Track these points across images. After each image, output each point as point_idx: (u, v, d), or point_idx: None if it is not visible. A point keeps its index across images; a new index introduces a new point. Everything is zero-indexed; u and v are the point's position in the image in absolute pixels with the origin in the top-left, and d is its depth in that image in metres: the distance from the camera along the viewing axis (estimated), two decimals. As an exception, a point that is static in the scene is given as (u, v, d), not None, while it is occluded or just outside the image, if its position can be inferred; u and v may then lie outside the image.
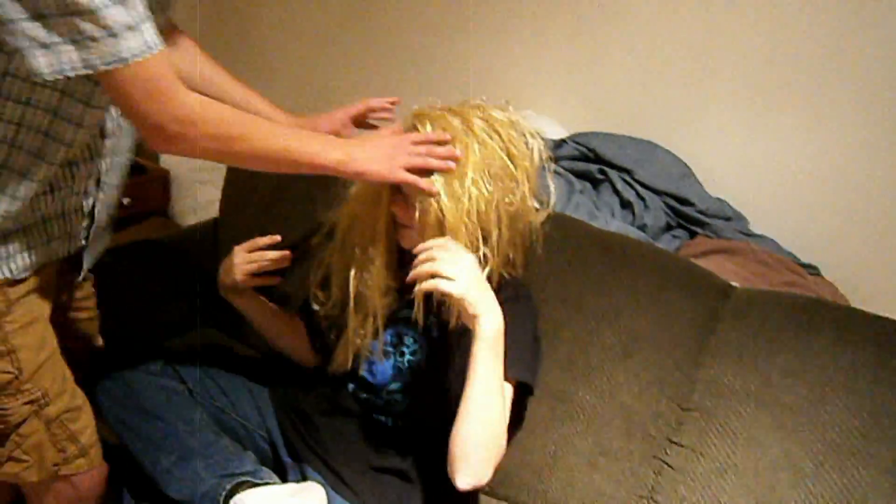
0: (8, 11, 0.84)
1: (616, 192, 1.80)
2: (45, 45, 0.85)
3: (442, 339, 1.22)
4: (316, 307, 1.34)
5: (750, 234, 1.82)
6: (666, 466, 1.27)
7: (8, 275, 1.06)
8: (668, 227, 1.82)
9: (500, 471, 1.30)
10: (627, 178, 1.82)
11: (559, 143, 1.91)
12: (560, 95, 2.18)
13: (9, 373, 1.08)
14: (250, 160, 1.06)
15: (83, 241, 1.20)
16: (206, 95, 1.02)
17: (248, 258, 1.32)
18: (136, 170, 2.81)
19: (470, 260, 1.08)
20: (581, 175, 1.85)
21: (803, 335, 1.24)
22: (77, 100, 1.00)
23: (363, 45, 2.57)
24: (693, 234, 1.82)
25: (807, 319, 1.26)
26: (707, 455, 1.23)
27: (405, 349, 1.27)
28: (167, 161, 2.86)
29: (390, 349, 1.27)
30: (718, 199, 1.87)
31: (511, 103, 1.29)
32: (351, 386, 1.30)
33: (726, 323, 1.32)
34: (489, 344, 1.05)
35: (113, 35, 0.85)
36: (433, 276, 1.04)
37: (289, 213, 1.70)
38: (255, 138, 1.03)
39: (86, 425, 1.20)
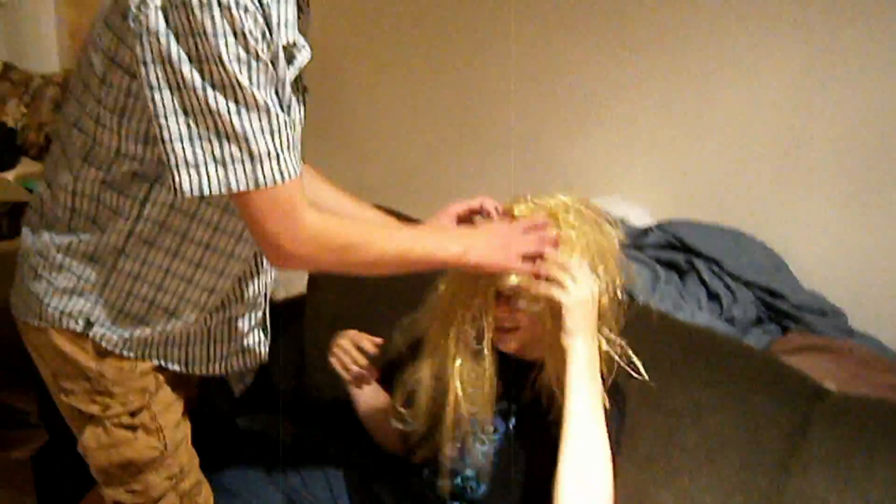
0: (169, 131, 0.90)
1: (703, 282, 1.76)
2: (192, 166, 0.90)
3: (522, 426, 1.21)
4: (398, 425, 1.30)
5: (849, 332, 1.74)
6: (752, 584, 1.20)
7: (162, 364, 1.14)
8: (759, 322, 1.76)
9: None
10: (716, 269, 1.78)
11: (645, 231, 1.90)
12: (648, 181, 2.17)
13: (156, 448, 1.13)
14: (370, 267, 1.07)
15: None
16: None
17: (345, 348, 1.38)
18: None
19: (591, 281, 1.09)
20: (667, 264, 1.82)
21: (906, 447, 1.16)
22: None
23: (457, 130, 2.65)
24: (785, 330, 1.75)
25: (910, 429, 1.18)
26: (797, 574, 1.15)
27: (484, 436, 1.25)
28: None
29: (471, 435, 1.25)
30: (814, 293, 1.79)
31: (600, 189, 1.28)
32: (426, 472, 1.29)
33: (819, 429, 1.24)
34: (584, 365, 1.06)
35: (254, 160, 0.91)
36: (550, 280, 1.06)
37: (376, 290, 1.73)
38: (374, 245, 1.04)
39: (207, 499, 1.25)
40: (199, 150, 0.89)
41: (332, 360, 1.41)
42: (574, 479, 1.04)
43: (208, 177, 0.90)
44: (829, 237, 1.84)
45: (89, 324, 1.07)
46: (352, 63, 2.95)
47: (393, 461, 1.38)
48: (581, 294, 1.07)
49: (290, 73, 0.94)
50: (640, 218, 2.02)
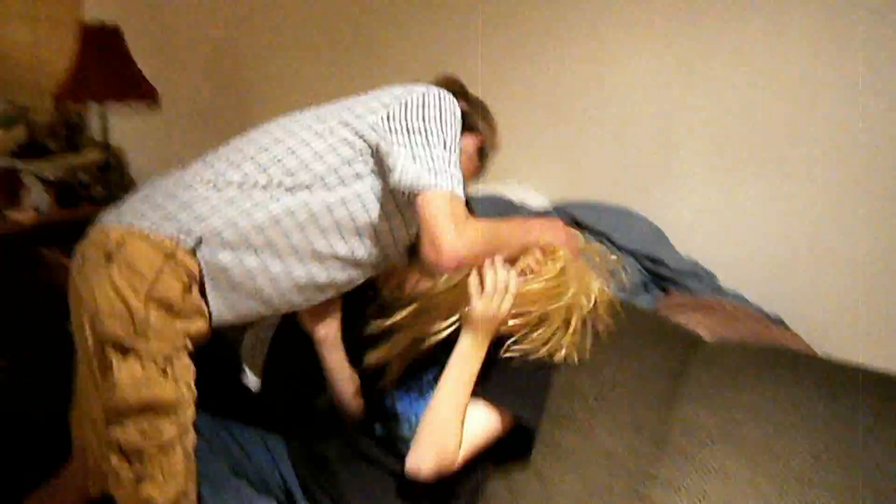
0: (398, 145, 1.22)
1: (596, 254, 1.96)
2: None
3: None
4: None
5: (720, 290, 1.98)
6: (648, 502, 1.40)
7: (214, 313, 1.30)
8: (645, 287, 1.97)
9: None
10: (606, 242, 1.98)
11: (544, 213, 2.08)
12: (543, 167, 2.36)
13: (178, 396, 1.22)
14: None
15: None
16: None
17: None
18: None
19: (500, 305, 1.31)
20: (563, 240, 2.00)
21: (764, 378, 1.39)
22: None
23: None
24: (667, 292, 1.97)
25: (767, 364, 1.41)
26: (683, 489, 1.36)
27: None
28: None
29: (430, 388, 1.39)
30: (690, 259, 2.03)
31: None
32: (378, 428, 1.42)
33: (696, 370, 1.46)
34: (462, 360, 1.30)
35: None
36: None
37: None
38: (508, 241, 1.34)
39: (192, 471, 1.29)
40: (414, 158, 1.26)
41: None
42: (425, 426, 1.29)
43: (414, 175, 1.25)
44: (700, 209, 2.08)
45: (199, 243, 1.23)
46: (262, 62, 3.00)
47: (338, 425, 1.50)
48: (488, 307, 1.30)
49: None
50: (537, 200, 2.20)
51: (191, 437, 1.25)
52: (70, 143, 3.64)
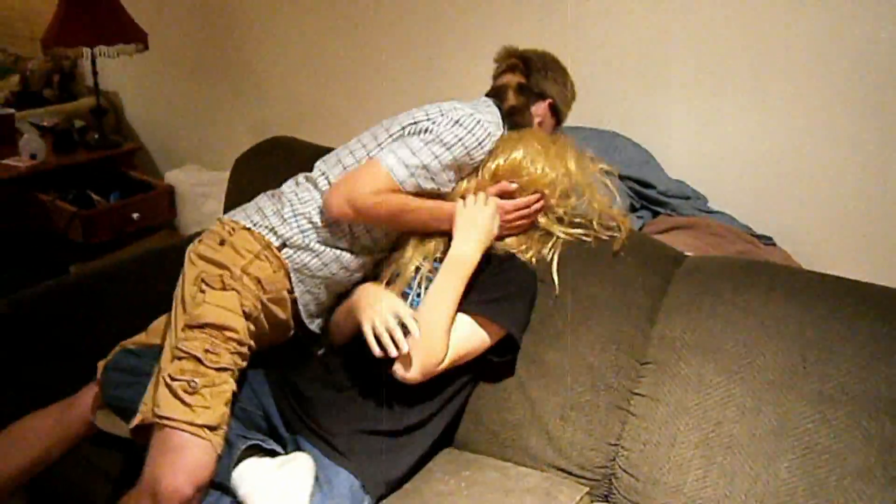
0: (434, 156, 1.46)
1: (583, 179, 1.96)
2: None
3: None
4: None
5: (708, 211, 1.99)
6: (630, 415, 1.44)
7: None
8: (633, 209, 1.98)
9: (484, 429, 1.48)
10: (593, 167, 1.98)
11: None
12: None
13: (247, 331, 1.38)
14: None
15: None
16: None
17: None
18: (143, 187, 3.01)
19: (490, 214, 1.46)
20: (551, 166, 2.01)
21: (741, 291, 1.41)
22: None
23: (350, 61, 2.75)
24: (656, 214, 1.98)
25: (744, 277, 1.43)
26: (663, 401, 1.39)
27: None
28: (171, 177, 3.03)
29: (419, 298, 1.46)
30: (678, 181, 2.03)
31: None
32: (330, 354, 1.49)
33: (676, 285, 1.48)
34: (451, 267, 1.39)
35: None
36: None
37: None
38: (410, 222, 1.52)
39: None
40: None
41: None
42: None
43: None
44: (687, 131, 2.07)
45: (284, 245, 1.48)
46: (248, 4, 2.98)
47: (311, 356, 1.55)
48: (477, 213, 1.44)
49: None
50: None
51: (234, 387, 1.34)
52: (65, 91, 3.64)
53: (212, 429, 1.27)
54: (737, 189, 2.01)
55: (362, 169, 1.47)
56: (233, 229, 1.49)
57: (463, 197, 1.51)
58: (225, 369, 1.33)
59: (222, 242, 1.47)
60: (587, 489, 1.42)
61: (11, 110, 3.11)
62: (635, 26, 2.07)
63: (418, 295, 1.48)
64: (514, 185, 1.51)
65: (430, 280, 1.47)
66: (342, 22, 2.71)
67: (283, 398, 1.45)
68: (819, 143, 1.86)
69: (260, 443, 1.33)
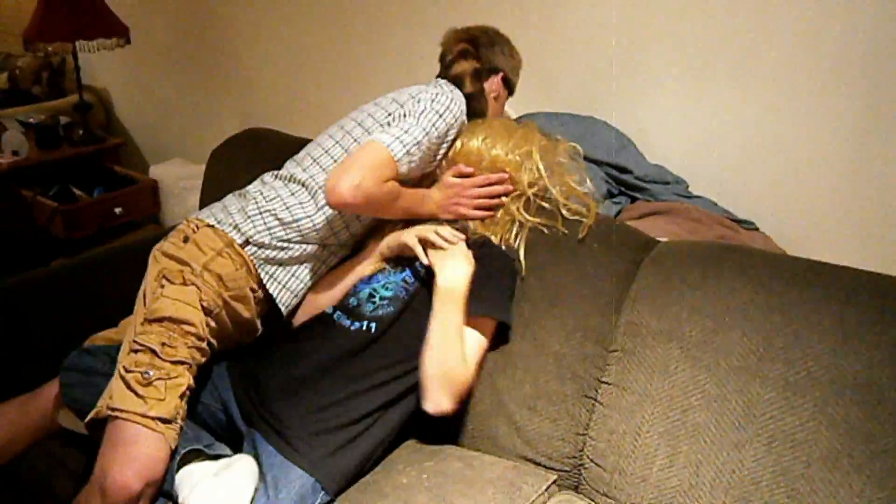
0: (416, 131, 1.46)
1: (559, 164, 1.93)
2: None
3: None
4: None
5: (688, 196, 1.95)
6: (597, 404, 1.41)
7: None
8: (611, 195, 1.95)
9: (451, 420, 1.45)
10: (569, 153, 1.95)
11: (508, 125, 2.04)
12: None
13: (205, 327, 1.37)
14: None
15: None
16: None
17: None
18: (127, 182, 3.00)
19: (464, 260, 1.42)
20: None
21: (709, 276, 1.37)
22: None
23: (335, 53, 2.72)
24: (634, 200, 1.95)
25: (713, 262, 1.39)
26: (629, 389, 1.36)
27: (409, 269, 1.51)
28: (155, 171, 3.02)
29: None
30: (657, 166, 1.99)
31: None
32: (337, 314, 1.47)
33: (644, 271, 1.45)
34: (445, 298, 1.37)
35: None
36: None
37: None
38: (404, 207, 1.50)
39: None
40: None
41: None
42: (428, 371, 1.37)
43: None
44: (667, 115, 2.03)
45: (247, 242, 1.47)
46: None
47: (273, 344, 1.53)
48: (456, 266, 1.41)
49: None
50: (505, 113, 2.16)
51: (191, 381, 1.33)
52: (55, 87, 3.64)
53: (165, 422, 1.25)
54: (718, 173, 1.97)
55: (365, 154, 1.41)
56: (197, 227, 1.49)
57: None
58: (181, 363, 1.31)
59: (186, 240, 1.47)
60: (554, 478, 1.40)
61: (-2, 110, 3.11)
62: (615, 9, 2.03)
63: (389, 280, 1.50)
64: (470, 169, 1.54)
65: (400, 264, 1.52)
66: (326, 13, 2.68)
67: (243, 390, 1.43)
68: (801, 126, 1.82)
69: (204, 448, 1.30)
